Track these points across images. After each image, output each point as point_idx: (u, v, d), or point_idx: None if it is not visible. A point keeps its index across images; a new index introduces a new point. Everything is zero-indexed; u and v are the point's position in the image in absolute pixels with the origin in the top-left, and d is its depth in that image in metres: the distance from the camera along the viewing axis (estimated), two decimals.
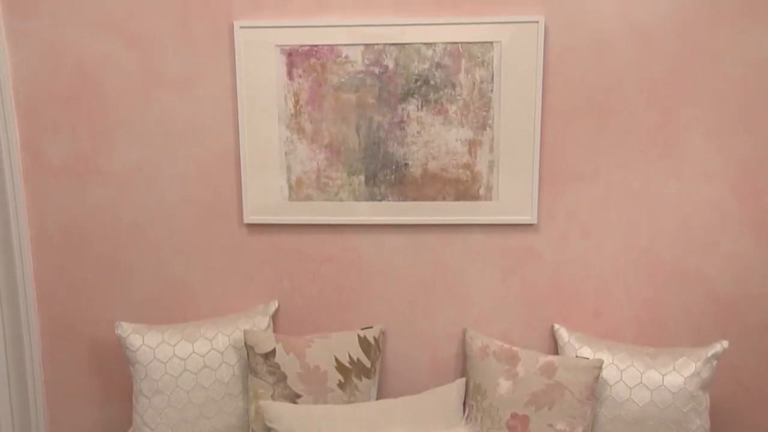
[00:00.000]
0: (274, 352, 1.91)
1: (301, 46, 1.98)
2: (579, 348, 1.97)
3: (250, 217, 2.08)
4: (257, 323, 2.05)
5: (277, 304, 2.14)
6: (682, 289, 2.07)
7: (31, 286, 2.15)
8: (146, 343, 1.93)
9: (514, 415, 1.85)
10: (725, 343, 1.88)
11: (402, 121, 2.01)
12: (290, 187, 2.07)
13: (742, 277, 2.05)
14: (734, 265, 2.05)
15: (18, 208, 2.07)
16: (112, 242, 2.13)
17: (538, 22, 1.93)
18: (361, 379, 1.97)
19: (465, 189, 2.04)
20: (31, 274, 2.14)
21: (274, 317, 2.15)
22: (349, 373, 1.96)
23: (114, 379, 2.21)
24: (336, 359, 1.96)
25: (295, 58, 1.99)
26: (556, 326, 2.06)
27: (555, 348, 2.09)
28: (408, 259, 2.11)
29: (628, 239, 2.05)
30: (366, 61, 1.98)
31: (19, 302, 2.10)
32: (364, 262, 2.12)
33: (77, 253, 2.14)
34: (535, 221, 2.04)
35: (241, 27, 1.97)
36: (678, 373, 1.85)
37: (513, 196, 2.04)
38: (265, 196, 2.07)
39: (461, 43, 1.96)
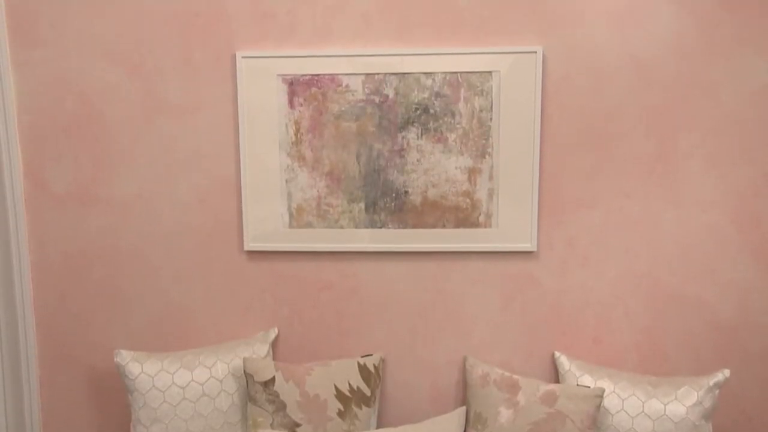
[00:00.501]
0: (273, 380, 1.90)
1: (303, 75, 2.00)
2: (580, 376, 1.96)
3: (250, 244, 2.09)
4: (257, 351, 2.05)
5: (276, 332, 2.13)
6: (683, 316, 2.07)
7: (31, 312, 2.15)
8: (145, 371, 1.92)
9: None
10: (727, 372, 1.88)
11: (402, 149, 2.03)
12: (291, 215, 2.08)
13: (742, 304, 2.05)
14: (734, 293, 2.05)
15: (19, 234, 2.08)
16: (112, 268, 2.13)
17: (536, 52, 1.96)
18: (360, 408, 1.96)
19: (465, 216, 2.05)
20: (30, 299, 2.14)
21: (274, 344, 2.14)
22: (349, 401, 1.95)
23: (112, 407, 2.20)
24: (336, 387, 1.95)
25: (296, 87, 2.01)
26: (557, 354, 2.06)
27: (555, 376, 2.08)
28: (408, 286, 2.11)
29: (628, 266, 2.06)
30: (366, 90, 2.01)
31: (18, 327, 2.10)
32: (365, 289, 2.12)
33: (77, 279, 2.14)
34: (534, 248, 2.05)
35: (243, 57, 1.99)
36: (680, 403, 1.84)
37: (513, 224, 2.05)
38: (266, 224, 2.08)
39: (460, 72, 1.99)
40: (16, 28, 2.02)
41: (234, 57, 2.01)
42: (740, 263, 2.03)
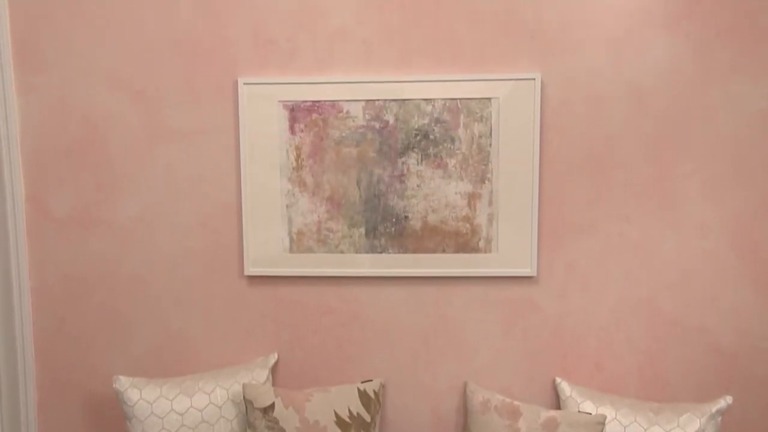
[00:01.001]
0: (273, 406, 1.89)
1: (304, 101, 2.03)
2: (581, 402, 1.95)
3: (250, 269, 2.09)
4: (256, 376, 2.04)
5: (276, 357, 2.12)
6: (684, 342, 2.07)
7: (30, 336, 2.14)
8: (144, 397, 1.91)
9: None
10: (729, 399, 1.87)
11: (402, 175, 2.04)
12: (291, 240, 2.08)
13: (743, 330, 2.05)
14: (735, 319, 2.04)
15: (20, 259, 2.08)
16: (112, 293, 2.13)
17: (534, 79, 1.98)
18: None
19: (465, 241, 2.06)
20: (30, 323, 2.14)
21: (274, 370, 2.13)
22: (349, 428, 1.93)
23: None
24: (336, 414, 1.93)
25: (297, 113, 2.03)
26: (558, 380, 2.05)
27: (557, 402, 2.07)
28: (408, 311, 2.11)
29: (628, 292, 2.06)
30: (367, 116, 2.03)
31: (17, 351, 2.09)
32: (365, 314, 2.12)
33: (77, 304, 2.14)
34: (534, 273, 2.05)
35: (245, 83, 2.02)
36: (682, 430, 1.83)
37: (512, 249, 2.05)
38: (266, 249, 2.08)
39: (460, 99, 2.01)
40: (21, 53, 2.04)
41: (236, 83, 2.03)
42: (740, 289, 2.03)
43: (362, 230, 2.07)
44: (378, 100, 2.02)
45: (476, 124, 2.02)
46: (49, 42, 2.04)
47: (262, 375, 2.05)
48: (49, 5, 2.03)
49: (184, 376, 2.03)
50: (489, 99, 2.01)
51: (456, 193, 2.04)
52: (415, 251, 2.07)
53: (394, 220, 2.06)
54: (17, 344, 2.09)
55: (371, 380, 2.07)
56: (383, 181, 2.05)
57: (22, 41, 2.04)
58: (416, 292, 2.10)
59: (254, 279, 2.11)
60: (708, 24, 1.95)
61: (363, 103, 2.02)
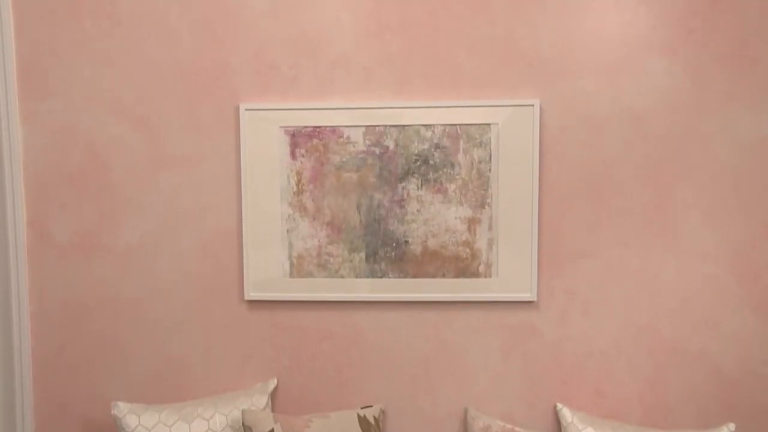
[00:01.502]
0: None
1: (305, 127, 2.04)
2: (583, 429, 1.94)
3: (250, 294, 2.09)
4: (255, 402, 2.02)
5: (276, 382, 2.11)
6: (685, 367, 2.06)
7: (28, 362, 2.13)
8: (142, 423, 1.90)
9: None
10: (732, 426, 1.85)
11: (402, 200, 2.05)
12: (291, 264, 2.08)
13: (745, 356, 2.04)
14: (736, 345, 2.04)
15: (20, 284, 2.08)
16: (111, 319, 2.13)
17: (533, 105, 2.00)
18: None
19: (465, 266, 2.06)
20: (28, 349, 2.13)
21: (273, 395, 2.12)
22: None
23: None
24: None
25: (298, 138, 2.05)
26: (559, 406, 2.03)
27: (558, 428, 2.05)
28: (409, 336, 2.10)
29: (629, 317, 2.05)
30: (367, 141, 2.04)
31: (15, 377, 2.08)
32: (365, 339, 2.11)
33: (76, 329, 2.13)
34: (535, 298, 2.05)
35: (246, 109, 2.04)
36: None
37: (513, 274, 2.05)
38: (267, 273, 2.08)
39: (459, 124, 2.02)
40: (26, 80, 2.06)
41: (237, 109, 2.05)
42: (741, 314, 2.03)
43: (362, 255, 2.07)
44: (378, 125, 2.03)
45: (476, 149, 2.03)
46: (54, 70, 2.06)
47: (261, 401, 2.03)
48: (55, 34, 2.06)
49: (183, 402, 2.01)
50: (488, 125, 2.03)
51: (456, 218, 2.05)
52: (415, 276, 2.07)
53: (394, 244, 2.07)
54: (15, 369, 2.08)
55: (371, 406, 2.06)
56: (383, 205, 2.06)
57: (28, 69, 2.07)
58: (416, 317, 2.10)
59: (254, 303, 2.11)
60: (704, 52, 1.98)
61: (363, 129, 2.04)
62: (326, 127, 2.04)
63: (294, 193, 2.07)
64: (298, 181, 2.06)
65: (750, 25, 1.96)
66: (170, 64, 2.05)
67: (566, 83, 2.01)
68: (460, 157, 2.03)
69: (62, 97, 2.07)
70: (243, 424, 1.90)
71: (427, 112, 2.02)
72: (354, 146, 2.04)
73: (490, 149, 2.03)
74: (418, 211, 2.05)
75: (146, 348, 2.13)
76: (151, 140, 2.07)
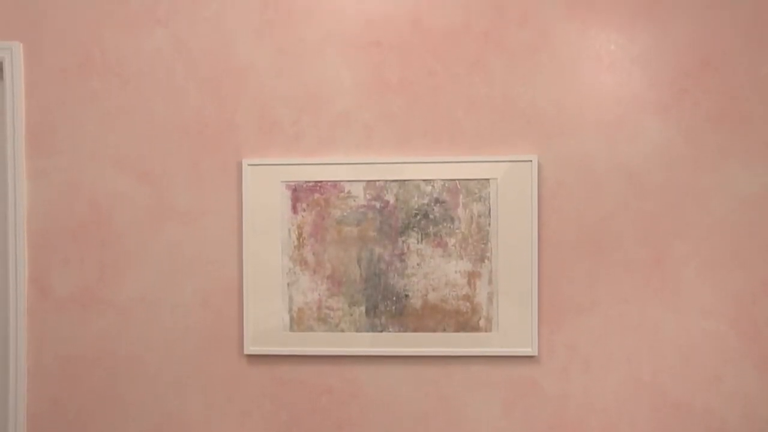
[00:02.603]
0: None
1: (306, 182, 2.07)
2: None
3: (250, 348, 2.08)
4: None
5: None
6: (688, 425, 2.03)
7: (23, 418, 2.10)
8: None
9: None
10: None
11: (402, 254, 2.06)
12: (291, 318, 2.08)
13: (749, 414, 2.02)
14: (740, 401, 2.02)
15: (18, 340, 2.07)
16: (109, 374, 2.11)
17: (531, 160, 2.04)
18: None
19: (465, 320, 2.06)
20: (24, 404, 2.10)
21: None
22: None
23: None
24: None
25: (299, 193, 2.08)
26: None
27: None
28: (409, 391, 2.08)
29: (631, 373, 2.04)
30: (368, 196, 2.07)
31: None
32: (365, 393, 2.09)
33: (73, 385, 2.11)
34: (535, 353, 2.04)
35: (249, 164, 2.07)
36: None
37: (513, 328, 2.05)
38: (266, 327, 2.08)
39: (459, 179, 2.05)
40: (34, 137, 2.10)
41: (240, 164, 2.08)
42: (744, 370, 2.02)
43: (363, 309, 2.07)
44: (379, 180, 2.07)
45: (475, 204, 2.06)
46: (61, 126, 2.11)
47: None
48: (64, 91, 2.11)
49: None
50: (487, 180, 2.06)
51: (456, 272, 2.06)
52: (415, 330, 2.06)
53: (394, 298, 2.07)
54: (9, 426, 2.05)
55: None
56: (384, 259, 2.07)
57: (36, 126, 2.11)
58: (416, 372, 2.08)
59: (254, 358, 2.09)
60: (697, 110, 2.02)
61: (364, 184, 2.07)
62: (327, 181, 2.07)
63: (295, 247, 2.08)
64: (299, 235, 2.08)
65: (740, 85, 2.02)
66: (175, 121, 2.10)
67: (563, 140, 2.05)
68: (460, 211, 2.06)
69: (68, 153, 2.11)
70: None
71: (427, 168, 2.06)
72: (355, 201, 2.07)
73: (490, 204, 2.06)
74: (418, 264, 2.06)
75: (144, 403, 2.10)
76: (154, 195, 2.10)
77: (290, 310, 2.08)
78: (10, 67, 2.08)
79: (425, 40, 2.07)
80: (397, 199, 2.06)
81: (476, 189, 2.06)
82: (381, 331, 2.07)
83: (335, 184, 2.07)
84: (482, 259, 2.06)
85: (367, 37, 2.08)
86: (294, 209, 2.08)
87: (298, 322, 2.08)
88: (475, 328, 2.06)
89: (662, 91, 2.03)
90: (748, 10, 2.02)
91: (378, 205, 2.07)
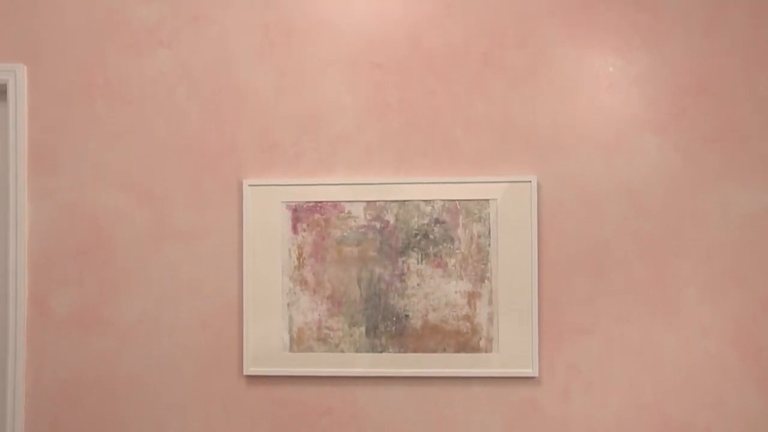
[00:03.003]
0: None
1: (306, 202, 2.08)
2: None
3: (250, 369, 2.07)
4: None
5: None
6: None
7: None
8: None
9: None
10: None
11: (402, 274, 2.06)
12: (291, 338, 2.08)
13: None
14: (743, 424, 2.00)
15: (17, 361, 2.07)
16: (108, 395, 2.10)
17: (530, 181, 2.05)
18: None
19: (465, 341, 2.05)
20: (22, 428, 2.08)
21: None
22: None
23: None
24: None
25: (300, 213, 2.08)
26: None
27: None
28: (409, 412, 2.07)
29: (632, 394, 2.03)
30: (368, 216, 2.07)
31: None
32: (365, 414, 2.08)
33: (71, 407, 2.10)
34: (536, 374, 2.03)
35: (249, 185, 2.08)
36: None
37: (513, 348, 2.04)
38: (266, 348, 2.07)
39: (458, 200, 2.06)
40: (36, 158, 2.12)
41: (241, 185, 2.09)
42: (746, 392, 2.01)
43: (363, 329, 2.07)
44: (379, 200, 2.07)
45: (475, 224, 2.06)
46: (63, 148, 2.12)
47: None
48: (67, 112, 2.12)
49: None
50: (487, 200, 2.06)
51: (456, 292, 2.06)
52: (415, 350, 2.06)
53: (394, 318, 2.06)
54: None
55: None
56: (384, 280, 2.07)
57: (39, 147, 2.12)
58: (416, 393, 2.07)
59: (253, 379, 2.09)
60: (695, 131, 2.04)
61: (364, 204, 2.08)
62: (328, 202, 2.08)
63: (295, 267, 2.08)
64: (299, 255, 2.08)
65: (737, 106, 2.03)
66: (177, 142, 2.11)
67: (562, 160, 2.06)
68: (460, 231, 2.06)
69: (70, 173, 2.12)
70: None
71: (427, 188, 2.07)
72: (355, 221, 2.08)
73: (489, 224, 2.06)
74: (418, 285, 2.06)
75: (144, 424, 2.09)
76: (155, 215, 2.11)
77: (290, 330, 2.08)
78: (14, 89, 2.10)
79: (425, 61, 2.09)
80: (397, 220, 2.07)
81: (476, 209, 2.06)
82: (381, 352, 2.06)
83: (335, 204, 2.08)
84: (482, 280, 2.06)
85: (367, 58, 2.10)
86: (294, 229, 2.08)
87: (298, 342, 2.08)
88: (476, 349, 2.05)
89: (660, 112, 2.05)
90: (744, 32, 2.04)
91: (378, 225, 2.07)
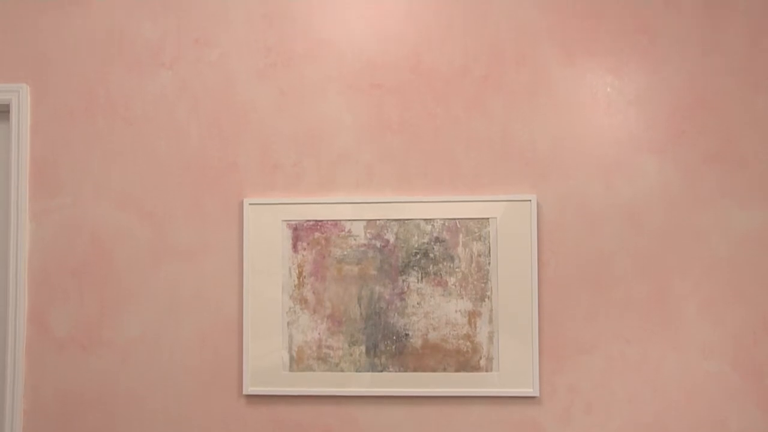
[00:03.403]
0: None
1: (307, 221, 2.09)
2: None
3: (249, 388, 2.06)
4: None
5: None
6: None
7: None
8: None
9: None
10: None
11: (402, 293, 2.06)
12: (291, 358, 2.07)
13: None
14: None
15: (16, 379, 2.06)
16: (107, 414, 2.09)
17: (530, 200, 2.05)
18: None
19: (465, 360, 2.05)
20: None
21: None
22: None
23: None
24: None
25: (300, 232, 2.09)
26: None
27: None
28: None
29: (633, 415, 2.02)
30: (368, 235, 2.08)
31: None
32: None
33: (70, 425, 2.09)
34: (537, 394, 2.02)
35: (250, 204, 2.09)
36: None
37: (514, 368, 2.04)
38: (266, 367, 2.07)
39: (458, 219, 2.07)
40: (38, 177, 2.13)
41: (242, 203, 2.10)
42: (747, 411, 2.00)
43: (363, 348, 2.06)
44: (379, 219, 2.08)
45: (475, 243, 2.06)
46: (65, 167, 2.13)
47: None
48: (69, 132, 2.14)
49: None
50: (487, 219, 2.07)
51: (456, 311, 2.06)
52: (415, 370, 2.05)
53: (394, 337, 2.06)
54: None
55: None
56: (384, 298, 2.07)
57: (40, 166, 2.13)
58: (416, 413, 2.06)
59: (253, 398, 2.08)
60: (694, 150, 2.05)
61: (364, 223, 2.08)
62: (328, 220, 2.08)
63: (295, 286, 2.08)
64: (300, 274, 2.09)
65: (736, 126, 2.04)
66: (178, 161, 2.12)
67: (562, 179, 2.07)
68: (460, 250, 2.06)
69: (71, 192, 2.13)
70: None
71: (427, 207, 2.07)
72: (355, 240, 2.08)
73: (489, 243, 2.06)
74: (418, 303, 2.06)
75: None
76: (155, 233, 2.11)
77: (290, 349, 2.07)
78: (17, 109, 2.12)
79: (425, 81, 2.11)
80: (397, 238, 2.07)
81: (476, 228, 2.07)
82: (381, 371, 2.06)
83: (336, 223, 2.08)
84: (482, 298, 2.06)
85: (367, 78, 2.12)
86: (294, 248, 2.09)
87: (297, 361, 2.07)
88: (476, 368, 2.05)
89: (659, 132, 2.06)
90: (742, 52, 2.06)
91: (378, 244, 2.08)
